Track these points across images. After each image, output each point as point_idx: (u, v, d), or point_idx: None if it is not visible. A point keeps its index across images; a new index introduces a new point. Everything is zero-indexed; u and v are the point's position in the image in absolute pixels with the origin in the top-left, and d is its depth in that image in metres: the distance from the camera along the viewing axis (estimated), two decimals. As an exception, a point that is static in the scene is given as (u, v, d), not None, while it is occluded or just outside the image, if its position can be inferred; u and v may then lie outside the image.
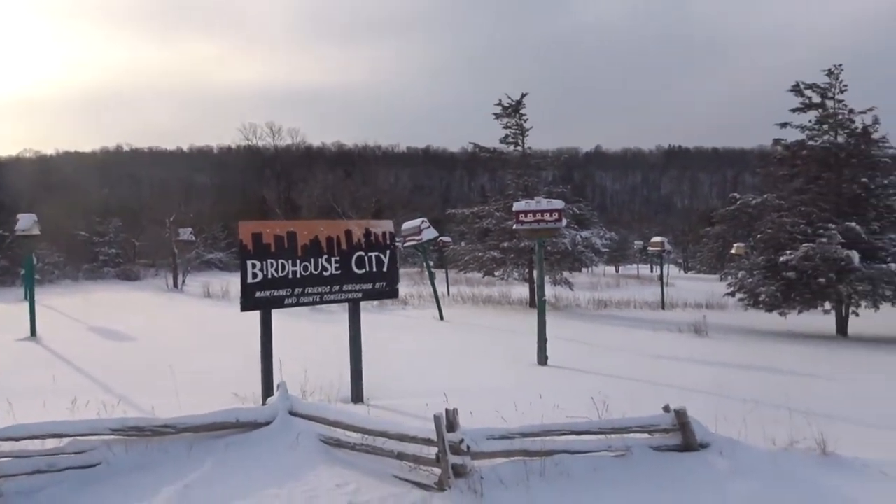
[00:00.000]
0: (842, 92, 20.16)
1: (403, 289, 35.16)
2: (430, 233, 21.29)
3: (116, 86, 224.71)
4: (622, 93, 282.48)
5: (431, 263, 23.76)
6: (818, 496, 6.49)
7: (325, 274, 10.08)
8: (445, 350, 15.74)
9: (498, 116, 27.12)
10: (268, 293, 9.61)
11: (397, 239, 23.32)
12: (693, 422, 7.60)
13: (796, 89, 20.75)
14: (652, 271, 73.61)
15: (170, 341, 16.41)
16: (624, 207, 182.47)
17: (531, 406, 8.23)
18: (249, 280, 9.49)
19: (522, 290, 30.15)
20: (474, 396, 9.53)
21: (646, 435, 7.66)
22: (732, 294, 21.80)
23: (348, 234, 10.39)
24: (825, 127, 20.45)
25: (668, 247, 32.94)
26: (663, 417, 7.68)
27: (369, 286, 10.53)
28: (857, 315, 20.11)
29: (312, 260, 9.98)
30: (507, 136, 27.39)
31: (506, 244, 25.77)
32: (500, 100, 26.89)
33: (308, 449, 7.51)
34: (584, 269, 67.97)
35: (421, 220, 21.75)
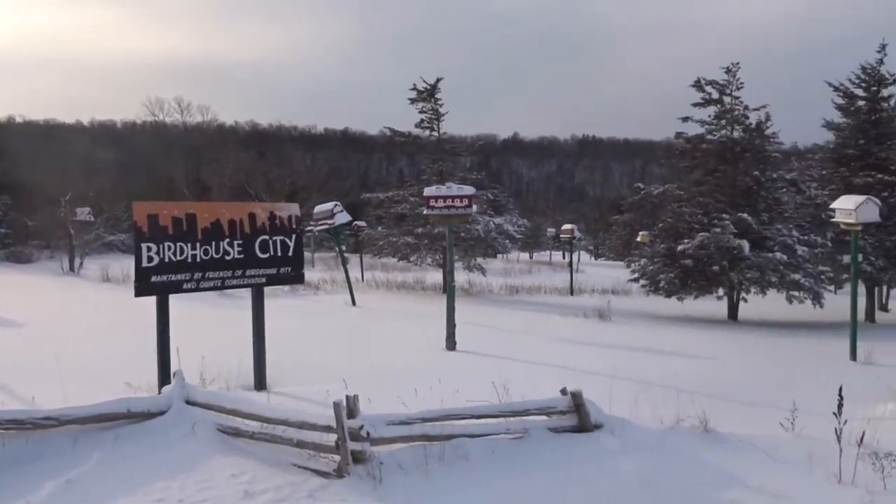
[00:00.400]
0: (738, 89, 21.24)
1: (318, 274, 34.86)
2: (342, 217, 21.05)
3: (4, 52, 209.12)
4: (540, 81, 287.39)
5: (345, 248, 23.51)
6: (698, 469, 6.88)
7: (227, 258, 9.81)
8: (355, 336, 15.67)
9: (413, 101, 27.03)
10: (165, 277, 9.26)
11: (310, 223, 22.97)
12: (588, 403, 7.89)
13: (697, 85, 21.69)
14: (564, 258, 75.65)
15: (60, 328, 15.55)
16: (539, 195, 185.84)
17: (433, 391, 8.31)
18: (144, 264, 9.12)
19: (437, 276, 30.31)
20: (379, 382, 9.53)
21: (544, 417, 7.90)
22: (636, 280, 22.67)
23: (252, 217, 10.13)
24: (723, 122, 21.49)
25: (577, 234, 33.90)
26: (560, 400, 7.94)
27: (274, 271, 10.32)
28: (745, 301, 21.36)
29: (213, 243, 9.68)
30: (422, 120, 27.35)
31: (420, 230, 25.81)
32: (416, 84, 26.83)
33: (204, 439, 7.31)
34: (498, 256, 69.23)
35: (333, 203, 21.46)
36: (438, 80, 26.94)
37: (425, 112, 27.21)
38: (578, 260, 71.38)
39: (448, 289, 13.82)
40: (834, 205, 13.61)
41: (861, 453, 6.59)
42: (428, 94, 26.81)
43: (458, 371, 10.92)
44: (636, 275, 22.55)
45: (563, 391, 7.90)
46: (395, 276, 32.82)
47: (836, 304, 26.19)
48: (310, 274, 35.37)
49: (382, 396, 8.16)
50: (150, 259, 9.14)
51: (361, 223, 34.15)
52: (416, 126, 27.70)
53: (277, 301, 22.06)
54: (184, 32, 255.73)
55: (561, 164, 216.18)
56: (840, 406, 6.69)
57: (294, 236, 10.53)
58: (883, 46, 21.37)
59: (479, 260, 29.62)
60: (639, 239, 34.66)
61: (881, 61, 21.48)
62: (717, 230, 19.39)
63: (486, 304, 24.14)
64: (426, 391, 8.29)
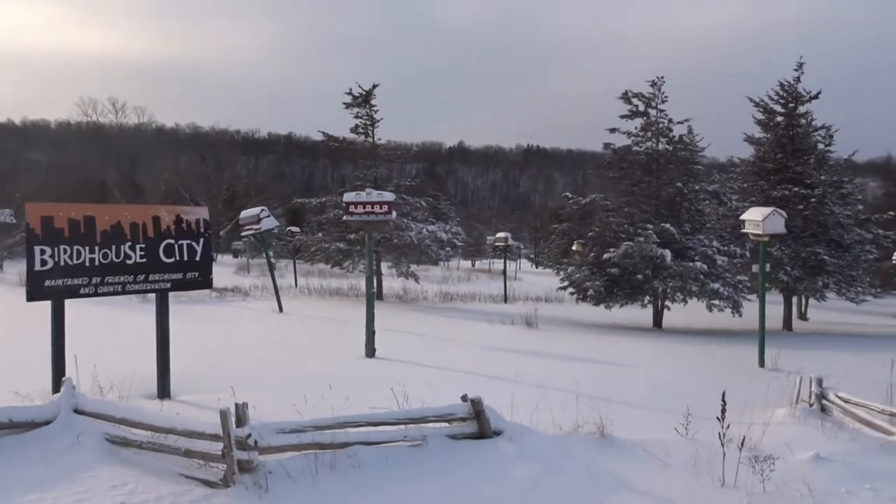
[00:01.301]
0: (663, 102, 21.79)
1: (251, 280, 34.25)
2: (269, 222, 20.70)
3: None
4: (487, 90, 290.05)
5: (272, 253, 23.11)
6: (590, 474, 6.97)
7: (128, 262, 9.49)
8: (276, 342, 15.38)
9: (348, 106, 26.85)
10: (59, 282, 8.91)
11: (246, 229, 22.52)
12: (488, 410, 7.91)
13: (625, 97, 22.19)
14: (505, 266, 76.28)
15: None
16: (484, 203, 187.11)
17: (336, 398, 8.20)
18: (37, 267, 8.76)
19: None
20: (286, 389, 9.39)
21: (445, 424, 7.89)
22: (564, 289, 22.98)
23: (156, 220, 9.84)
24: (648, 134, 22.02)
25: (511, 242, 34.20)
26: (460, 407, 7.94)
27: (179, 276, 10.04)
28: (668, 309, 21.91)
29: (114, 247, 9.36)
30: (357, 126, 27.19)
31: (352, 235, 25.60)
32: (351, 89, 26.66)
33: (90, 448, 7.05)
34: (439, 263, 69.41)
35: (260, 209, 21.08)
36: (374, 86, 26.87)
37: (361, 118, 27.07)
38: (518, 268, 72.33)
39: (367, 295, 13.71)
40: (743, 216, 14.09)
41: (743, 457, 6.78)
42: (363, 100, 26.69)
43: (370, 378, 10.83)
44: (565, 283, 22.85)
45: (464, 398, 7.90)
46: (331, 282, 32.51)
47: (757, 312, 27.08)
48: (242, 280, 34.98)
49: (285, 404, 8.02)
50: (43, 262, 8.78)
51: (295, 228, 33.68)
52: (352, 131, 27.53)
53: (203, 307, 21.58)
54: (125, 32, 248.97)
55: (506, 172, 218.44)
56: (723, 411, 6.87)
57: (202, 240, 10.28)
58: (800, 65, 22.31)
59: (416, 267, 29.59)
60: (574, 248, 35.12)
61: (798, 79, 22.42)
62: (641, 239, 19.83)
63: (417, 311, 24.10)
64: (331, 398, 8.18)
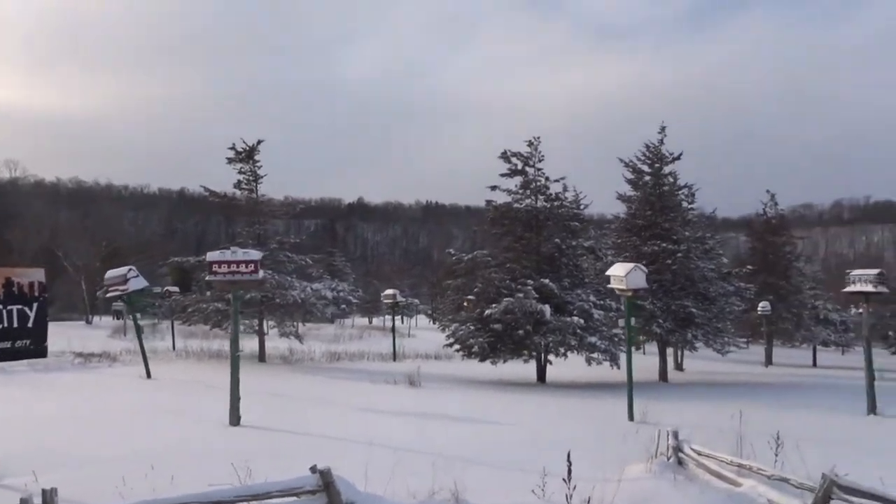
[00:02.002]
0: (540, 161, 22.56)
1: (124, 344, 32.07)
2: (137, 283, 19.50)
3: None
4: (387, 147, 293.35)
5: (140, 315, 21.75)
6: (440, 548, 6.66)
7: (-58, 331, 8.53)
8: (134, 412, 14.25)
9: (231, 161, 26.17)
10: None
11: (112, 290, 21.08)
12: (339, 481, 7.47)
13: (504, 156, 22.82)
14: (403, 322, 75.81)
15: None
16: (384, 259, 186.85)
17: (178, 475, 7.55)
18: None
19: (255, 344, 28.94)
20: (131, 466, 8.58)
21: (293, 498, 7.40)
22: (451, 345, 22.88)
23: (-20, 283, 8.94)
24: (527, 192, 22.66)
25: (401, 298, 33.98)
26: (308, 479, 7.45)
27: (7, 344, 9.12)
28: (551, 363, 22.21)
29: (-74, 313, 8.40)
30: (240, 181, 26.49)
31: (230, 295, 24.54)
32: (234, 144, 26.04)
33: None
34: (335, 321, 68.05)
35: (128, 268, 19.85)
36: (258, 142, 26.38)
37: (244, 173, 26.42)
38: (415, 324, 72.04)
39: (232, 359, 12.99)
40: (609, 272, 14.56)
41: (591, 517, 6.70)
42: (247, 156, 26.11)
43: (225, 449, 10.11)
44: (451, 340, 22.77)
45: (313, 469, 7.45)
46: (214, 344, 30.98)
47: (638, 364, 27.98)
48: (116, 344, 32.75)
49: (116, 481, 7.31)
50: None
51: (174, 288, 32.08)
52: (235, 187, 26.79)
53: (61, 376, 19.92)
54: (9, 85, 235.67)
55: (406, 228, 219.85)
56: (569, 472, 6.81)
57: (36, 305, 9.42)
58: (663, 128, 23.83)
59: (307, 326, 28.69)
60: (465, 304, 35.33)
61: (661, 141, 23.90)
62: (521, 295, 20.13)
63: (300, 372, 23.24)
64: (171, 473, 7.51)
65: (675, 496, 8.23)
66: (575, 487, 6.73)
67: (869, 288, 15.10)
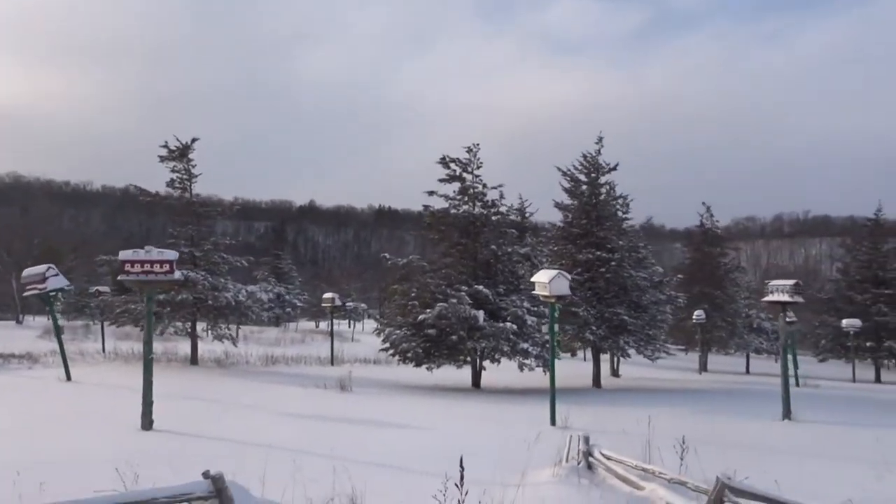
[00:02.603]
0: (478, 168, 22.59)
1: (50, 345, 30.85)
2: (57, 281, 18.75)
3: None
4: (340, 151, 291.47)
5: (59, 316, 20.95)
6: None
7: None
8: (42, 415, 13.68)
9: (163, 159, 25.48)
10: None
11: (29, 288, 20.22)
12: (233, 487, 7.23)
13: (443, 162, 22.77)
14: (350, 326, 75.10)
15: None
16: (335, 263, 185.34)
17: (54, 480, 7.21)
18: None
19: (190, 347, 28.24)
20: (20, 473, 8.18)
21: (183, 505, 7.15)
22: (386, 350, 22.68)
23: None
24: (465, 198, 22.66)
25: (338, 302, 33.64)
26: (198, 485, 7.17)
27: None
28: (484, 369, 22.24)
29: None
30: (173, 180, 25.81)
31: (161, 296, 23.90)
32: (167, 142, 25.36)
33: None
34: (283, 325, 67.01)
35: (46, 266, 19.05)
36: (194, 139, 25.76)
37: (177, 172, 25.76)
38: (362, 329, 71.47)
39: (145, 362, 12.56)
40: (533, 279, 14.64)
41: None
42: (180, 154, 25.46)
43: (126, 455, 9.74)
44: (386, 345, 22.58)
45: (206, 474, 7.20)
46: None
47: (573, 370, 28.30)
48: (41, 345, 31.51)
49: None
50: None
51: (104, 288, 31.06)
52: (168, 186, 26.09)
53: (-27, 378, 19.03)
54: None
55: (358, 233, 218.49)
56: (461, 477, 6.74)
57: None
58: (600, 139, 24.16)
59: (250, 329, 28.09)
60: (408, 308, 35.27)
61: (599, 152, 24.23)
62: (454, 300, 20.10)
63: (231, 376, 22.70)
64: (54, 481, 7.18)
65: (576, 500, 8.27)
66: (467, 493, 6.64)
67: (785, 298, 15.55)
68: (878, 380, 36.48)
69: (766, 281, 16.63)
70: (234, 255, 26.66)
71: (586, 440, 10.08)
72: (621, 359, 29.13)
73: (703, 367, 38.27)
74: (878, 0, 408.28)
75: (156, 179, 27.29)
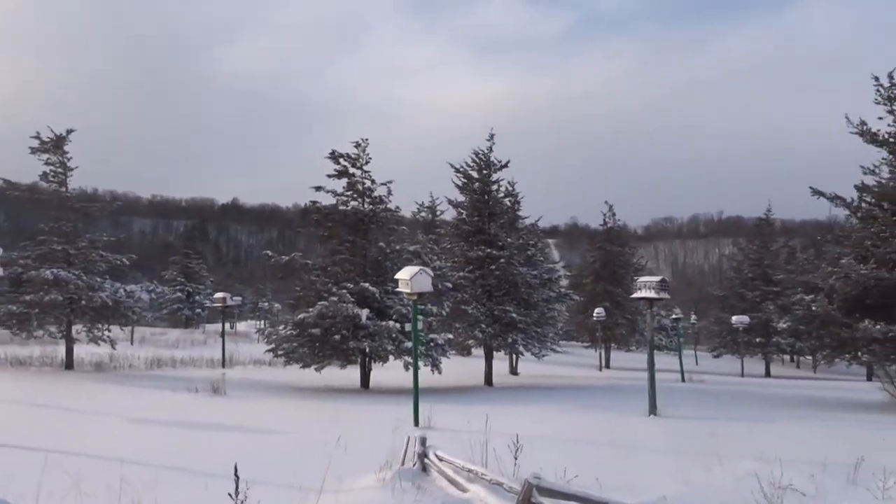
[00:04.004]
0: (367, 163, 22.11)
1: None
2: None
3: None
4: (264, 149, 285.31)
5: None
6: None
7: None
8: None
9: (34, 151, 23.88)
10: None
11: None
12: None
13: (333, 157, 22.18)
14: (264, 326, 73.35)
15: None
16: (258, 262, 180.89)
17: None
18: None
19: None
20: None
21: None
22: (272, 351, 21.91)
23: None
24: (353, 194, 22.14)
25: (231, 302, 32.54)
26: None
27: None
28: (370, 370, 21.79)
29: None
30: (46, 174, 24.21)
31: (29, 297, 22.41)
32: (39, 133, 23.78)
33: None
34: (199, 326, 64.61)
35: None
36: (69, 131, 24.26)
37: (51, 164, 24.19)
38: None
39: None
40: (397, 276, 14.29)
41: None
42: (53, 146, 23.93)
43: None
44: (272, 345, 21.81)
45: None
46: (29, 349, 28.22)
47: (468, 368, 28.12)
48: None
49: None
50: None
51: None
52: (41, 179, 24.47)
53: None
54: None
55: (282, 231, 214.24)
56: (236, 485, 6.27)
57: None
58: (491, 136, 24.08)
59: (152, 330, 26.58)
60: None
61: (490, 149, 24.15)
62: (335, 299, 19.57)
63: (103, 381, 21.46)
64: None
65: (390, 505, 7.93)
66: (243, 501, 6.18)
67: (652, 294, 15.71)
68: (767, 374, 38.05)
69: (635, 278, 16.80)
70: (114, 253, 25.25)
71: (422, 441, 9.77)
72: (521, 356, 29.22)
73: (605, 364, 38.94)
74: (790, 12, 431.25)
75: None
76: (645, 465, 10.28)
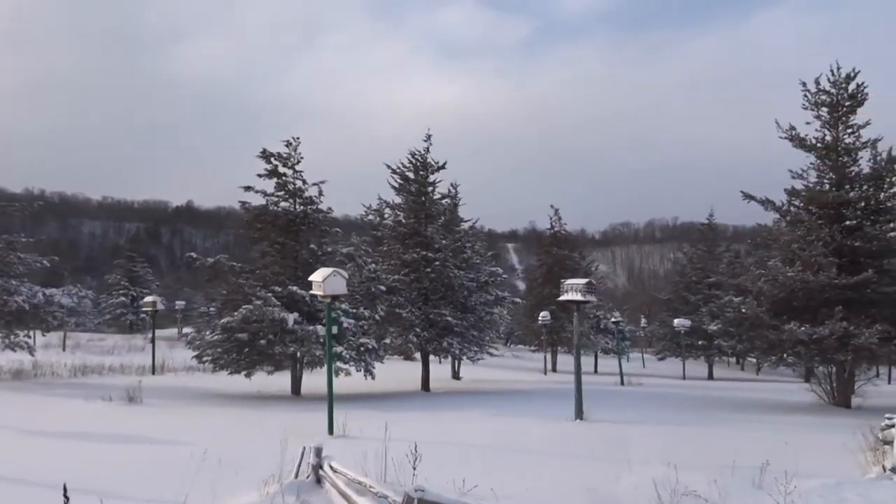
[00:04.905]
0: (298, 163, 21.48)
1: None
2: None
3: None
4: (220, 150, 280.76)
5: None
6: None
7: None
8: None
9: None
10: None
11: None
12: None
13: (264, 156, 21.49)
14: (154, 334, 71.11)
15: None
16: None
17: None
18: None
19: None
20: None
21: None
22: (198, 357, 21.07)
23: None
24: (284, 194, 21.48)
25: (160, 306, 31.48)
26: None
27: None
28: (301, 375, 21.15)
29: None
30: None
31: None
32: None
33: None
34: (140, 332, 62.61)
35: None
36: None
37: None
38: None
39: None
40: (311, 278, 13.76)
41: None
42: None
43: None
44: (199, 350, 20.97)
45: None
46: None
47: (412, 373, 27.61)
48: None
49: None
50: None
51: None
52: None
53: None
54: None
55: (238, 234, 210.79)
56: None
57: None
58: (429, 136, 23.70)
59: (89, 336, 25.34)
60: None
61: (427, 150, 23.75)
62: (259, 302, 18.91)
63: (14, 390, 20.36)
64: None
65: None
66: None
67: (578, 297, 15.48)
68: (710, 377, 38.45)
69: (562, 281, 16.56)
70: (33, 254, 24.06)
71: (318, 452, 9.26)
72: (463, 360, 28.82)
73: (553, 368, 38.86)
74: (747, 23, 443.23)
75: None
76: (551, 472, 9.94)
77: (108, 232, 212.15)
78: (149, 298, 30.36)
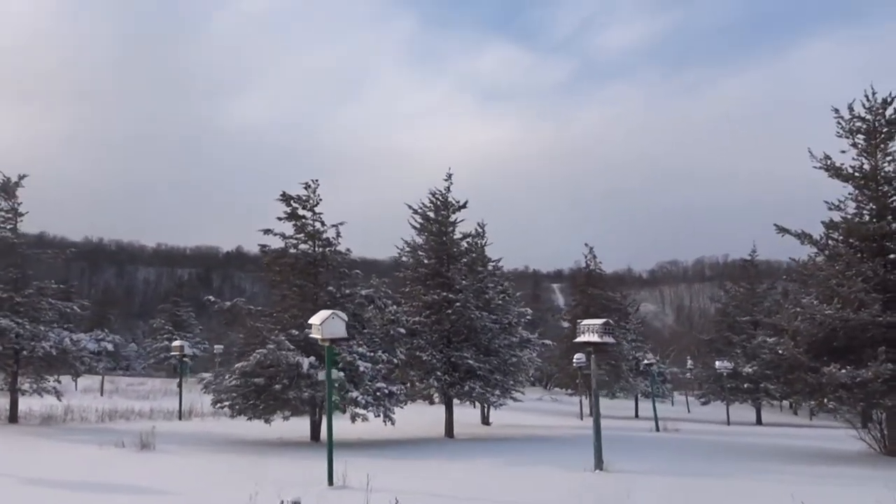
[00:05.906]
0: (317, 205, 21.41)
1: None
2: None
3: None
4: (268, 197, 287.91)
5: None
6: None
7: None
8: None
9: (-17, 197, 23.38)
10: None
11: None
12: None
13: (283, 199, 21.51)
14: (181, 379, 71.75)
15: None
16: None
17: None
18: None
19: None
20: None
21: None
22: (216, 403, 20.83)
23: None
24: (303, 236, 21.39)
25: (187, 351, 31.59)
26: None
27: None
28: (320, 420, 20.69)
29: None
30: (-7, 218, 23.64)
31: None
32: (-8, 178, 23.29)
33: None
34: (188, 376, 63.31)
35: None
36: (22, 176, 23.81)
37: (1, 210, 23.67)
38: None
39: None
40: (311, 320, 13.40)
41: None
42: (3, 191, 23.44)
43: None
44: (219, 396, 20.75)
45: None
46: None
47: (439, 418, 26.81)
48: None
49: None
50: None
51: None
52: (-8, 224, 23.87)
53: None
54: None
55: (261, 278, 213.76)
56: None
57: None
58: (449, 176, 23.41)
59: (128, 381, 25.57)
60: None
61: (448, 189, 23.44)
62: (272, 346, 18.63)
63: (40, 436, 20.38)
64: None
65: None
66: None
67: (595, 338, 14.75)
68: (758, 422, 36.45)
69: (579, 321, 15.82)
70: (63, 300, 24.47)
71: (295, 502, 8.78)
72: (493, 406, 27.91)
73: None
74: (788, 58, 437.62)
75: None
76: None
77: (161, 278, 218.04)
78: (177, 343, 30.58)
